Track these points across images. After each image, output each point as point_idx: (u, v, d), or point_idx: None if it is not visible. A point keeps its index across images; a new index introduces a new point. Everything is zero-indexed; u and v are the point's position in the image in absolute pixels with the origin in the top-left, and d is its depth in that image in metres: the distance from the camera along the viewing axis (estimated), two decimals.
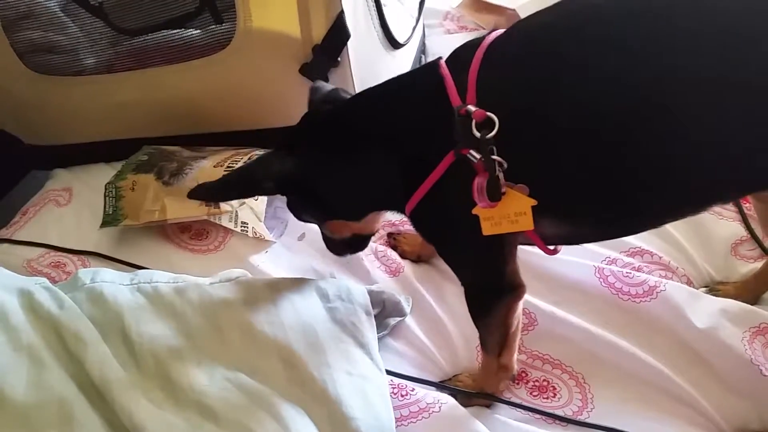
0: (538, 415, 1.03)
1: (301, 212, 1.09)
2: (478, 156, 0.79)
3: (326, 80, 1.27)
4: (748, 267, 1.19)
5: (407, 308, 1.16)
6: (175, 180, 1.30)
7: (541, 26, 0.84)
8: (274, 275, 1.22)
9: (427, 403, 1.01)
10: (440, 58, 0.89)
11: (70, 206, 1.44)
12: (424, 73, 0.93)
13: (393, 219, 1.34)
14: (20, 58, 1.40)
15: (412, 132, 0.89)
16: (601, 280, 1.15)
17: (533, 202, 0.80)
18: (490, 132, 0.78)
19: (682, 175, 0.78)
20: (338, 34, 1.25)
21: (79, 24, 1.40)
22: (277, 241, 1.32)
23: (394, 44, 1.49)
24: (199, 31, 1.38)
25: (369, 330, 1.06)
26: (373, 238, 1.30)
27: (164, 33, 1.38)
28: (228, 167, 1.27)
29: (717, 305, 1.08)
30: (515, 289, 0.95)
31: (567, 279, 1.17)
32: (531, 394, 1.07)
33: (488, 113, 0.78)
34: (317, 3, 1.22)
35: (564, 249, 0.98)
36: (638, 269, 1.18)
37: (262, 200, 1.33)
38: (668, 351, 1.06)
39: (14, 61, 1.40)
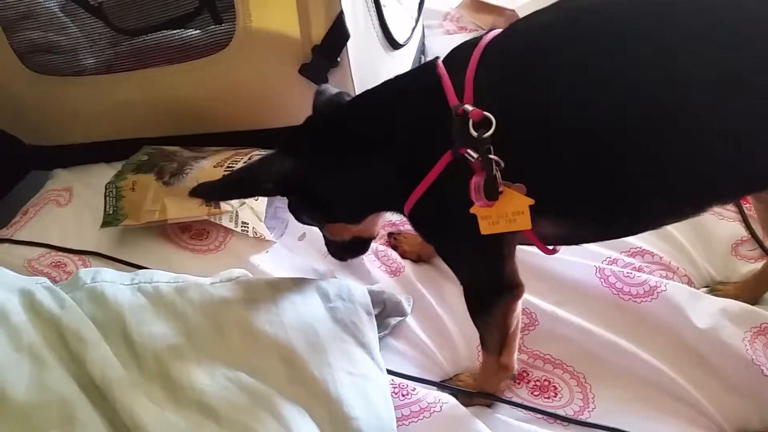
0: (539, 415, 1.03)
1: (301, 214, 1.09)
2: (475, 155, 0.79)
3: (326, 80, 1.27)
4: (749, 267, 1.19)
5: (408, 308, 1.16)
6: (176, 180, 1.30)
7: (538, 26, 0.84)
8: (274, 275, 1.22)
9: (428, 403, 1.01)
10: (437, 58, 0.89)
11: (70, 206, 1.44)
12: (422, 73, 0.93)
13: (394, 219, 1.34)
14: (20, 58, 1.40)
15: (411, 132, 0.89)
16: (602, 280, 1.15)
17: (531, 201, 0.80)
18: (487, 131, 0.78)
19: (681, 175, 0.78)
20: (338, 34, 1.25)
21: (78, 24, 1.40)
22: (277, 241, 1.32)
23: (394, 45, 1.49)
24: (198, 31, 1.38)
25: (370, 330, 1.06)
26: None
27: (164, 33, 1.38)
28: (228, 167, 1.27)
29: (718, 305, 1.08)
30: (514, 288, 0.96)
31: (568, 279, 1.17)
32: (532, 393, 1.07)
33: (485, 113, 0.78)
34: (317, 3, 1.22)
35: (565, 249, 0.98)
36: (639, 269, 1.18)
37: (263, 200, 1.33)
38: (669, 351, 1.06)
39: (14, 62, 1.40)
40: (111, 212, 1.32)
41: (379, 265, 1.26)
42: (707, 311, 1.07)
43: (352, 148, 0.94)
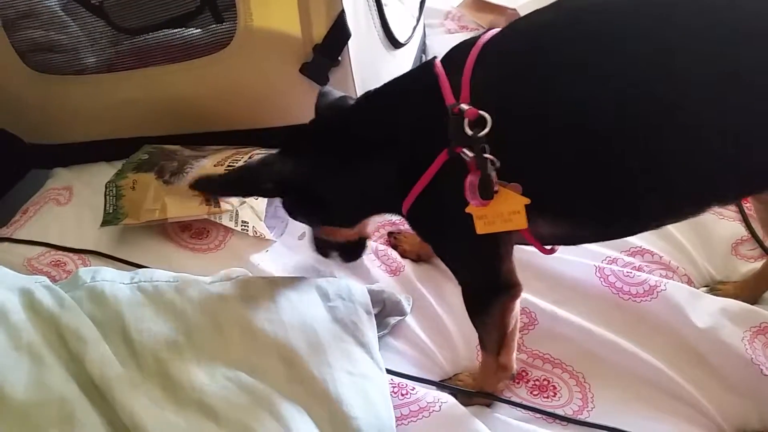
0: (538, 415, 1.03)
1: (296, 214, 1.09)
2: (470, 154, 0.79)
3: (327, 80, 1.27)
4: (749, 266, 1.19)
5: (407, 307, 1.16)
6: (176, 179, 1.30)
7: (539, 25, 0.84)
8: (274, 274, 1.22)
9: (428, 402, 1.01)
10: (435, 57, 0.89)
11: (70, 205, 1.44)
12: (420, 74, 0.93)
13: (393, 218, 1.34)
14: (21, 57, 1.40)
15: (409, 132, 0.89)
16: (602, 279, 1.15)
17: (526, 200, 0.80)
18: (483, 130, 0.78)
19: (680, 172, 0.78)
20: (339, 33, 1.25)
21: (79, 23, 1.40)
22: (277, 240, 1.32)
23: (395, 44, 1.49)
24: (199, 30, 1.38)
25: (369, 329, 1.06)
26: (373, 238, 1.31)
27: (165, 32, 1.38)
28: (228, 166, 1.27)
29: (717, 305, 1.08)
30: (511, 288, 0.96)
31: (567, 278, 1.17)
32: (531, 393, 1.07)
33: (480, 111, 0.78)
34: (318, 2, 1.22)
35: (564, 248, 0.99)
36: (639, 269, 1.18)
37: (263, 199, 1.33)
38: (669, 350, 1.06)
39: (15, 61, 1.40)
40: (111, 211, 1.32)
41: (378, 264, 1.26)
42: (707, 311, 1.07)
43: (354, 151, 0.94)
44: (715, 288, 1.17)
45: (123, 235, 1.33)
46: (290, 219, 1.28)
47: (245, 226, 1.30)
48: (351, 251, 1.15)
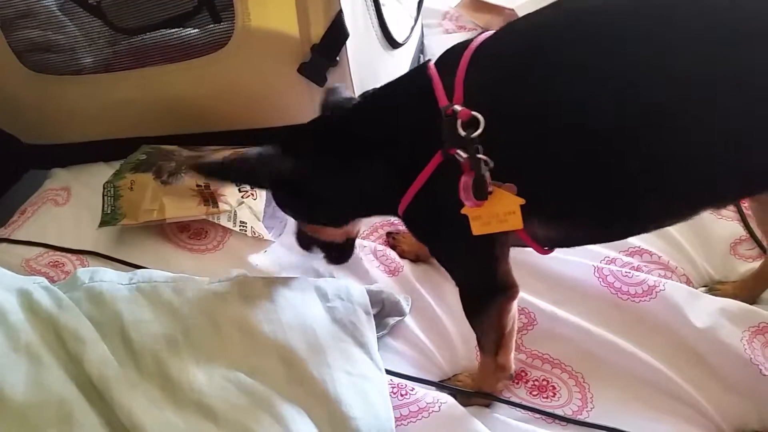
0: (537, 415, 1.03)
1: (285, 208, 1.09)
2: (464, 155, 0.80)
3: (325, 80, 1.27)
4: (747, 266, 1.19)
5: (406, 308, 1.16)
6: (174, 179, 1.30)
7: (538, 26, 0.84)
8: (273, 275, 1.22)
9: (427, 403, 1.01)
10: (429, 60, 0.90)
11: (68, 205, 1.44)
12: (414, 76, 0.94)
13: (392, 219, 1.34)
14: (18, 57, 1.40)
15: (405, 134, 0.90)
16: (601, 279, 1.15)
17: (521, 201, 0.80)
18: (476, 131, 0.78)
19: (679, 173, 0.78)
20: (337, 33, 1.24)
21: (77, 23, 1.40)
22: (276, 241, 1.32)
23: (393, 44, 1.48)
24: (197, 30, 1.37)
25: (368, 329, 1.06)
26: (372, 238, 1.31)
27: (162, 32, 1.38)
28: None
29: (716, 305, 1.08)
30: (508, 289, 0.96)
31: (566, 278, 1.17)
32: (530, 393, 1.07)
33: (473, 112, 0.78)
34: (316, 2, 1.22)
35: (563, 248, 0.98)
36: (637, 269, 1.18)
37: (261, 200, 1.33)
38: (667, 350, 1.06)
39: (12, 60, 1.39)
40: (109, 212, 1.32)
41: (377, 264, 1.26)
42: (706, 311, 1.07)
43: (356, 151, 0.94)
44: (713, 288, 1.17)
45: (121, 235, 1.32)
46: (288, 219, 1.29)
47: (243, 226, 1.30)
48: (337, 252, 1.15)
